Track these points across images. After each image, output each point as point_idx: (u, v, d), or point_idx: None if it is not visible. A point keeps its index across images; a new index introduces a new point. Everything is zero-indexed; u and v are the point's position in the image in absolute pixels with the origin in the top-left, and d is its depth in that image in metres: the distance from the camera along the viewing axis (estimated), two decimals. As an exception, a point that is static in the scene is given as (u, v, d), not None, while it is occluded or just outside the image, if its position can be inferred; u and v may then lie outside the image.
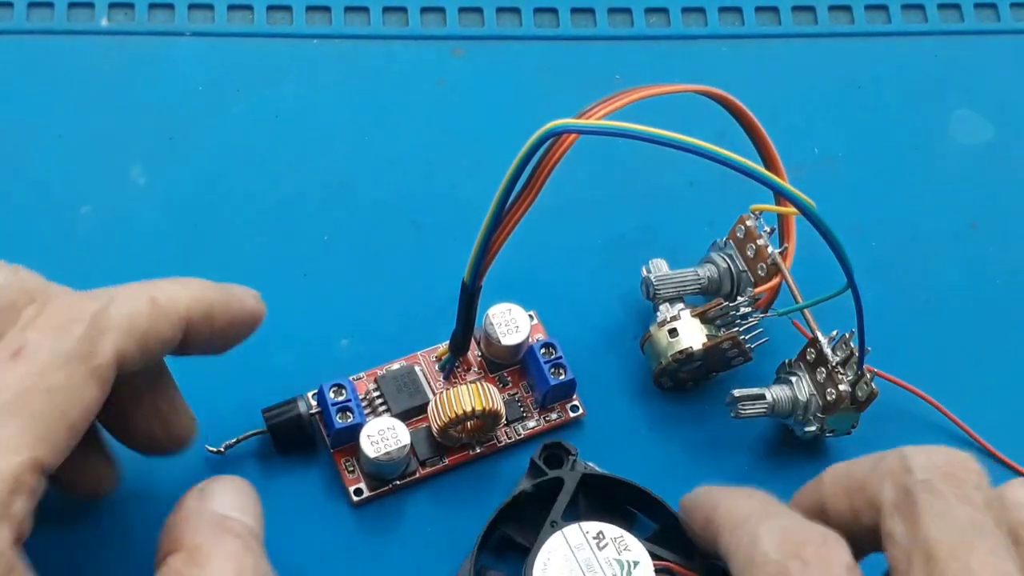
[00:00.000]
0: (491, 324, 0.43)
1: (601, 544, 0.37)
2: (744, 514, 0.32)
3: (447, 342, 0.44)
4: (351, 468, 0.42)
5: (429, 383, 0.44)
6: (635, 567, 0.37)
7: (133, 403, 0.35)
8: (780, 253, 0.44)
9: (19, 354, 0.30)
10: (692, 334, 0.43)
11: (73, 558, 0.40)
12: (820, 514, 0.33)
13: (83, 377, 0.30)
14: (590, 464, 0.41)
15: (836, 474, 0.33)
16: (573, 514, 0.40)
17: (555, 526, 0.38)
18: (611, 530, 0.38)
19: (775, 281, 0.44)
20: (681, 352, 0.43)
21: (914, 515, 0.29)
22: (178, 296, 0.33)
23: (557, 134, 0.36)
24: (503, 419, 0.42)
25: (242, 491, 0.33)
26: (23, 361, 0.29)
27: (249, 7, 0.53)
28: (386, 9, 0.54)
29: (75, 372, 0.30)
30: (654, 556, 0.37)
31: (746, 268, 0.44)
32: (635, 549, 0.37)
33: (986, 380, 0.47)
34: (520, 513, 0.40)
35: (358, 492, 0.42)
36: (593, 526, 0.38)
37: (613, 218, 0.49)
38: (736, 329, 0.43)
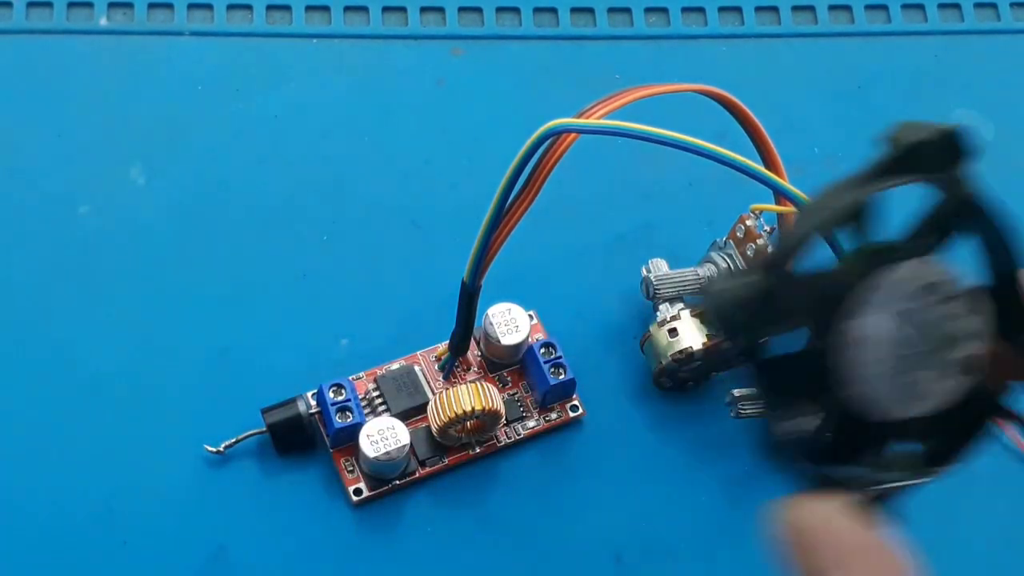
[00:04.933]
0: (491, 324, 0.43)
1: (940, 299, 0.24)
2: None
3: (447, 342, 0.44)
4: (351, 468, 0.42)
5: (429, 383, 0.44)
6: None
7: None
8: (780, 253, 0.44)
9: None
10: (692, 334, 0.43)
11: (73, 558, 0.41)
12: None
13: None
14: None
15: None
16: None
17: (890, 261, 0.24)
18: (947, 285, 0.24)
19: (775, 281, 0.44)
20: (681, 352, 0.43)
21: None
22: None
23: (557, 133, 0.36)
24: (503, 419, 0.42)
25: None
26: None
27: (249, 7, 0.53)
28: (386, 9, 0.54)
29: None
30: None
31: (746, 268, 0.44)
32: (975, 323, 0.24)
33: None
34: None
35: (358, 492, 0.42)
36: (933, 272, 0.24)
37: (613, 218, 0.49)
38: (736, 329, 0.43)
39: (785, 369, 0.25)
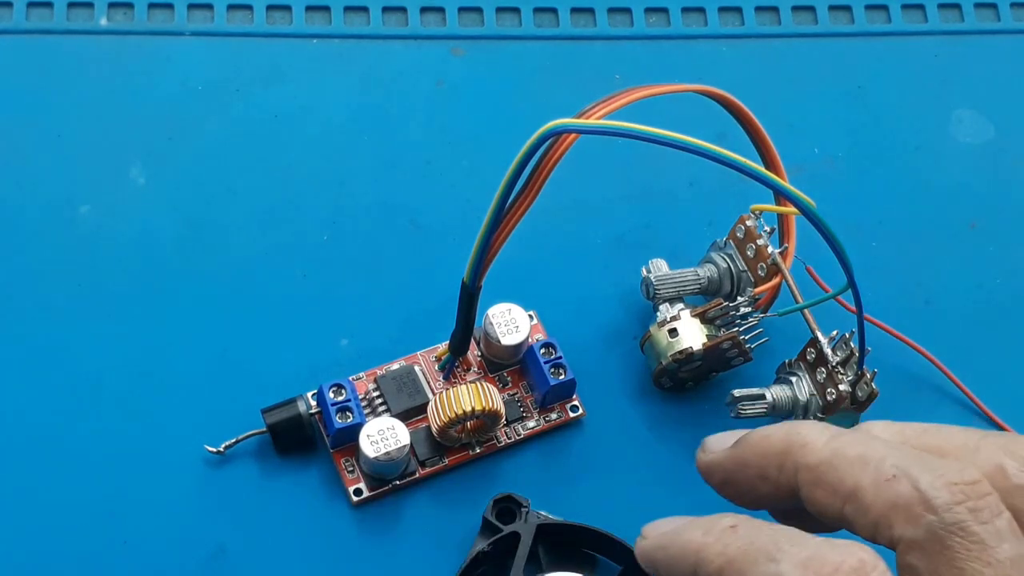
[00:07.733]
0: (491, 324, 0.43)
1: None
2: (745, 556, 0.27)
3: (447, 342, 0.44)
4: (351, 468, 0.42)
5: (429, 383, 0.44)
6: None
7: None
8: (780, 253, 0.44)
9: None
10: (692, 334, 0.43)
11: (74, 557, 0.41)
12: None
13: None
14: (543, 513, 0.39)
15: (809, 471, 0.27)
16: (534, 568, 0.39)
17: None
18: None
19: (775, 281, 0.44)
20: (681, 352, 0.43)
21: (951, 561, 0.24)
22: None
23: (557, 134, 0.36)
24: (503, 419, 0.42)
25: None
26: None
27: (249, 7, 0.53)
28: (386, 9, 0.54)
29: None
30: None
31: (746, 268, 0.44)
32: None
33: (986, 380, 0.47)
34: (480, 573, 0.38)
35: (358, 492, 0.42)
36: None
37: (613, 218, 0.49)
38: (736, 329, 0.43)
39: None
